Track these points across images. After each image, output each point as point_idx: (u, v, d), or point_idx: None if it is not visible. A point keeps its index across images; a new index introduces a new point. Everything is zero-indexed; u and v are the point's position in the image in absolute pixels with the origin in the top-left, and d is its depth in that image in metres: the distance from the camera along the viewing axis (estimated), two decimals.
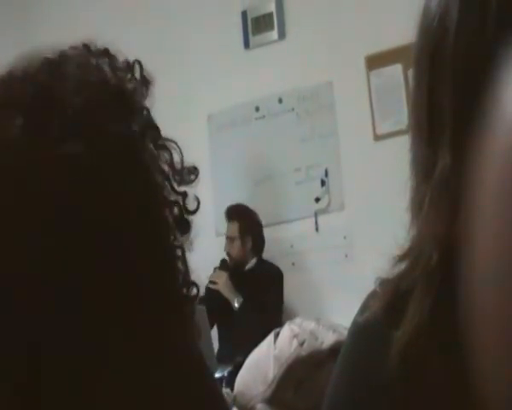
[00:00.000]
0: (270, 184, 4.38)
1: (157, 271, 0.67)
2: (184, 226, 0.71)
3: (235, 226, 4.07)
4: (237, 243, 4.07)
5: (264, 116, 4.46)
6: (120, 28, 4.58)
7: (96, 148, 0.62)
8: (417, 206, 0.59)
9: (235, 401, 1.23)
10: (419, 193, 0.59)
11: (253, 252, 4.13)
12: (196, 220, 0.70)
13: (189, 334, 0.72)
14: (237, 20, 4.53)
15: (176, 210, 0.70)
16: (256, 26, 4.50)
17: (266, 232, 4.31)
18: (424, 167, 0.58)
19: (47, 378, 0.60)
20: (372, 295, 0.65)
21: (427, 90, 0.59)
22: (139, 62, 0.71)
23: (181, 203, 0.71)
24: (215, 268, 4.05)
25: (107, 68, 0.69)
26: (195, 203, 0.72)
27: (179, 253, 0.71)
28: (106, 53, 0.70)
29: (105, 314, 0.63)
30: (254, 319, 3.82)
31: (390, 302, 0.62)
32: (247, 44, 4.52)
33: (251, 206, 4.30)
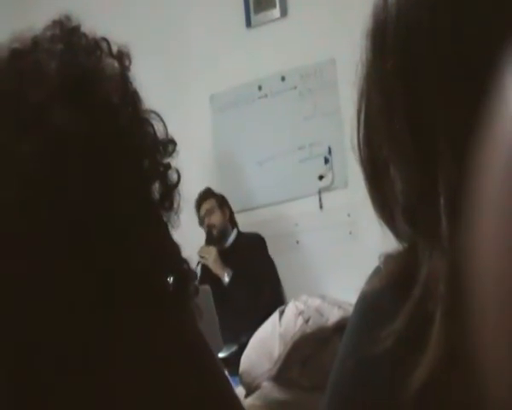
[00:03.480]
0: (273, 163, 4.37)
1: (147, 254, 0.67)
2: (169, 202, 0.70)
3: (211, 201, 4.09)
4: (217, 213, 4.09)
5: (266, 95, 4.44)
6: (121, 8, 4.55)
7: (51, 145, 0.62)
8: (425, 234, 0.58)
9: (240, 379, 1.24)
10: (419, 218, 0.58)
11: (231, 224, 4.17)
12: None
13: (185, 317, 0.72)
14: None
15: (160, 185, 0.70)
16: (257, 4, 4.47)
17: (270, 211, 4.31)
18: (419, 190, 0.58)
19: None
20: (377, 271, 0.66)
21: (404, 114, 0.58)
22: (106, 40, 0.71)
23: (165, 177, 0.70)
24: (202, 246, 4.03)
25: (75, 49, 0.68)
26: (176, 176, 0.71)
27: (166, 230, 0.70)
28: (76, 32, 0.70)
29: (92, 302, 0.63)
30: (245, 293, 3.84)
31: (396, 276, 0.62)
32: (248, 23, 4.49)
33: (255, 185, 4.29)
